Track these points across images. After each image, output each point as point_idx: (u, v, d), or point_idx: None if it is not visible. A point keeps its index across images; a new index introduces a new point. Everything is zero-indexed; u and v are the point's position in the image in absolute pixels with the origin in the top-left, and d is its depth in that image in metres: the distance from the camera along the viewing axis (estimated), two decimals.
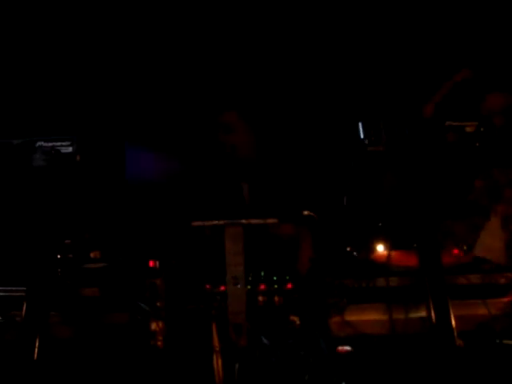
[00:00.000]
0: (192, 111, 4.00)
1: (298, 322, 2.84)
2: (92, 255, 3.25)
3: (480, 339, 2.80)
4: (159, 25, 4.15)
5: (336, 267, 3.07)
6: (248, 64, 4.04)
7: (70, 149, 2.68)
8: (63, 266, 3.08)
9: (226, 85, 4.03)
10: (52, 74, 4.07)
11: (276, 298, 2.93)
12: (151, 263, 3.05)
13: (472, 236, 3.60)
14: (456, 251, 3.40)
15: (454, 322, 2.76)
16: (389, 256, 2.92)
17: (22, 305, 2.76)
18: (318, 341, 2.71)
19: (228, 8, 4.12)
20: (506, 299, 3.02)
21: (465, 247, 3.28)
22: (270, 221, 2.87)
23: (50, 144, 2.68)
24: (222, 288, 2.90)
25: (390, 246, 2.96)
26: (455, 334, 2.75)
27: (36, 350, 2.62)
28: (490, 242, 3.53)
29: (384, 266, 2.93)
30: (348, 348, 2.72)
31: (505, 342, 2.77)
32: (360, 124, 2.71)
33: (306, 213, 3.09)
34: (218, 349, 2.74)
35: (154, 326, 2.83)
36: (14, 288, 2.97)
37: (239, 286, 2.82)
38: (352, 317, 2.94)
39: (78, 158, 2.69)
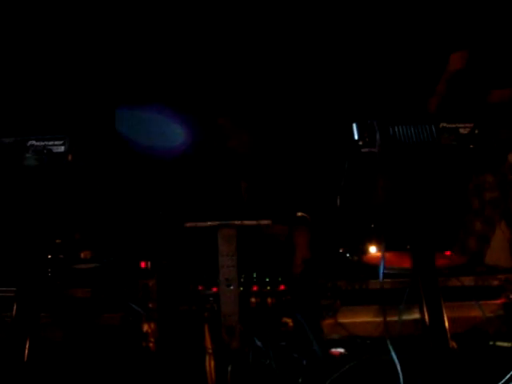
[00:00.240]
0: (188, 113, 3.99)
1: (290, 324, 2.83)
2: (82, 255, 3.23)
3: (473, 341, 2.79)
4: (151, 27, 4.14)
5: (329, 269, 3.07)
6: (244, 66, 4.03)
7: (62, 148, 2.66)
8: (54, 267, 3.06)
9: (221, 89, 4.02)
10: (44, 73, 4.05)
11: (269, 300, 2.92)
12: (143, 264, 3.03)
13: (489, 232, 3.64)
14: (449, 253, 3.41)
15: (447, 324, 2.76)
16: (382, 257, 2.91)
17: (11, 306, 2.72)
18: (311, 343, 2.69)
19: (223, 10, 4.11)
20: (499, 301, 3.02)
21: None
22: (264, 222, 2.86)
23: (42, 143, 2.66)
24: (215, 289, 2.89)
25: (384, 248, 2.95)
26: (448, 336, 2.74)
27: (26, 351, 2.59)
28: (498, 249, 3.57)
29: (377, 268, 2.91)
30: (341, 350, 2.71)
31: (498, 344, 2.76)
32: (354, 125, 2.70)
33: (299, 214, 3.08)
34: (210, 350, 2.73)
35: (146, 327, 2.81)
36: (3, 288, 2.94)
37: (232, 287, 2.81)
38: (345, 319, 2.93)
39: (69, 157, 2.66)
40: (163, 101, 4.04)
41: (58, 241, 3.21)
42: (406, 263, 2.95)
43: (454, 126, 2.70)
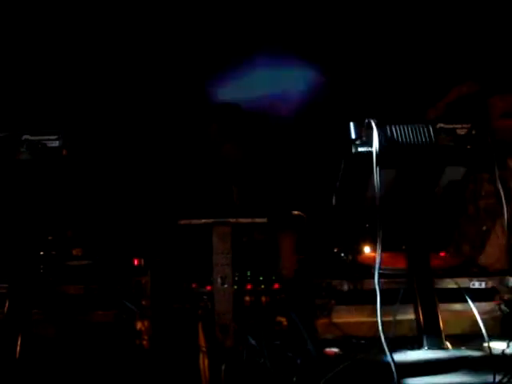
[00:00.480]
0: (181, 118, 3.98)
1: (285, 323, 2.82)
2: (74, 252, 3.21)
3: (467, 342, 2.79)
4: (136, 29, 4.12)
5: (324, 268, 3.06)
6: (237, 64, 4.02)
7: (57, 143, 2.63)
8: (46, 263, 3.03)
9: (210, 94, 4.01)
10: (39, 69, 4.02)
11: (263, 298, 2.91)
12: (136, 261, 3.01)
13: (480, 238, 3.67)
14: (443, 254, 3.41)
15: (441, 325, 2.76)
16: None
17: (3, 302, 2.70)
18: (305, 342, 2.68)
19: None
20: (493, 302, 3.02)
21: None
22: (259, 220, 2.85)
23: (37, 138, 2.63)
24: (209, 288, 2.88)
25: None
26: (443, 336, 2.74)
27: (18, 348, 2.57)
28: (493, 252, 3.59)
29: (372, 268, 2.91)
30: (336, 350, 2.70)
31: (492, 345, 2.76)
32: (351, 124, 2.69)
33: (295, 213, 3.07)
34: (204, 349, 2.71)
35: (139, 325, 2.79)
36: None
37: (226, 285, 2.80)
38: (339, 318, 2.93)
39: (64, 152, 2.64)
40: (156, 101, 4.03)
41: (50, 237, 3.19)
42: (401, 264, 2.95)
43: (451, 126, 2.70)
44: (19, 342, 2.59)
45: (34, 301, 2.79)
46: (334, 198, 2.84)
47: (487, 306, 3.03)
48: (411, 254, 2.88)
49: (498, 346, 2.76)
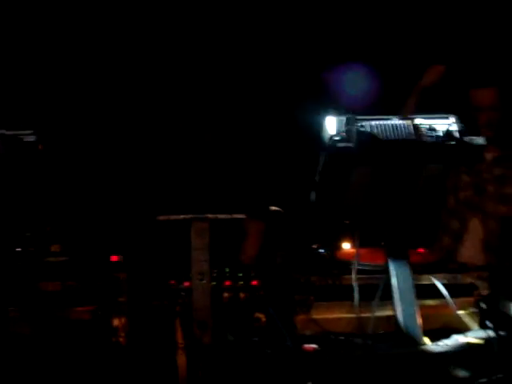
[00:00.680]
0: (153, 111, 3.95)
1: (263, 319, 2.81)
2: (53, 249, 3.18)
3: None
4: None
5: (303, 264, 3.05)
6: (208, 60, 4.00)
7: (33, 137, 2.60)
8: (23, 260, 3.00)
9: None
10: (15, 65, 3.99)
11: (241, 295, 2.90)
12: (114, 258, 2.99)
13: (460, 231, 3.69)
14: (422, 250, 3.42)
15: (420, 321, 2.76)
16: (356, 254, 2.91)
17: None
18: (284, 338, 2.67)
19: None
20: (471, 298, 3.04)
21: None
22: (237, 216, 2.83)
23: (12, 132, 2.61)
24: (187, 284, 2.86)
25: (358, 244, 2.95)
26: (421, 332, 2.75)
27: None
28: (471, 247, 3.61)
29: (351, 264, 2.91)
30: (314, 346, 2.69)
31: (470, 340, 2.78)
32: (331, 119, 2.68)
33: (273, 208, 3.06)
34: (182, 345, 2.69)
35: (116, 321, 2.77)
36: None
37: (204, 281, 2.78)
38: (318, 315, 2.92)
39: (40, 147, 2.61)
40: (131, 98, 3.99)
41: (28, 234, 3.15)
42: (380, 260, 2.95)
43: (430, 122, 2.71)
44: None
45: (10, 298, 2.77)
46: (312, 194, 2.83)
47: (465, 301, 3.04)
48: (390, 250, 2.89)
49: (475, 341, 2.78)
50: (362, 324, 2.79)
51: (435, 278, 3.00)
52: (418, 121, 2.71)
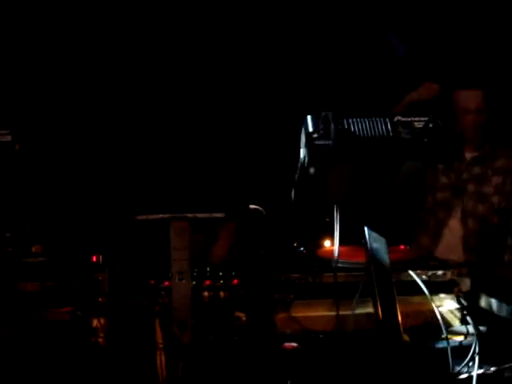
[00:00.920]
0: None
1: (243, 318, 2.80)
2: (34, 249, 3.16)
3: (426, 335, 2.80)
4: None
5: (283, 262, 3.05)
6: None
7: (9, 137, 2.58)
8: (2, 260, 2.98)
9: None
10: None
11: (221, 294, 2.89)
12: (94, 258, 2.97)
13: (437, 231, 3.71)
14: (403, 247, 3.42)
15: (400, 318, 2.76)
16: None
17: None
18: (263, 337, 2.67)
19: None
20: (451, 295, 3.04)
21: None
22: (217, 215, 2.82)
23: None
24: (167, 283, 2.85)
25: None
26: (401, 329, 2.75)
27: None
28: (449, 243, 3.63)
29: (331, 262, 2.90)
30: (294, 344, 2.69)
31: (450, 337, 2.78)
32: (309, 117, 2.67)
33: (252, 207, 3.05)
34: (161, 346, 2.68)
35: (95, 322, 2.75)
36: None
37: (184, 281, 2.77)
38: (298, 313, 2.92)
39: (17, 146, 2.59)
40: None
41: (8, 234, 3.13)
42: (361, 257, 2.94)
43: (408, 119, 2.70)
44: None
45: None
46: (292, 192, 2.82)
47: (446, 298, 3.05)
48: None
49: (455, 338, 2.79)
50: (342, 322, 2.78)
51: (416, 274, 3.00)
52: (396, 118, 2.70)
